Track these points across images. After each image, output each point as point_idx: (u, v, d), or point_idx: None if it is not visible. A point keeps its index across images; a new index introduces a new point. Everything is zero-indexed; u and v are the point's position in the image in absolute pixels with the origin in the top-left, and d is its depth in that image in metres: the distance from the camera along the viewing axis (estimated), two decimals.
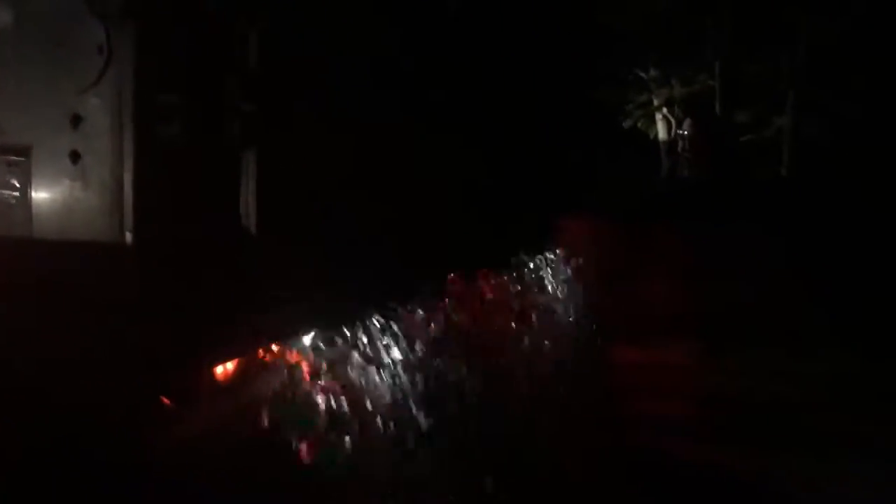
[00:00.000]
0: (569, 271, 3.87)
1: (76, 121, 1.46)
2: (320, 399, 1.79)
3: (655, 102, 10.99)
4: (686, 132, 5.41)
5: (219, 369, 1.63)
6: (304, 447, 1.72)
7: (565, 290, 3.78)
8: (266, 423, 1.66)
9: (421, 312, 2.25)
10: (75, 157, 1.47)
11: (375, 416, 1.92)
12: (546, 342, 3.48)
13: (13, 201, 1.52)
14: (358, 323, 1.96)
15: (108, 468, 1.37)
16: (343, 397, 1.82)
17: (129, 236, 1.42)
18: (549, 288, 3.64)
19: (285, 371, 1.75)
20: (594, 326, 4.11)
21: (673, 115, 10.82)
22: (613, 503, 3.03)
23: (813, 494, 3.36)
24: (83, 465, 1.34)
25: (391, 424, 1.97)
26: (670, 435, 3.99)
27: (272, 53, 1.59)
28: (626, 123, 10.97)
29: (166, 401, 1.50)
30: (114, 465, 1.38)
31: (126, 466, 1.39)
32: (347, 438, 1.81)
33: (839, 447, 3.78)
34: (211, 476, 1.54)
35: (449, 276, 2.54)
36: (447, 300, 2.51)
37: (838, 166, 9.29)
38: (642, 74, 10.92)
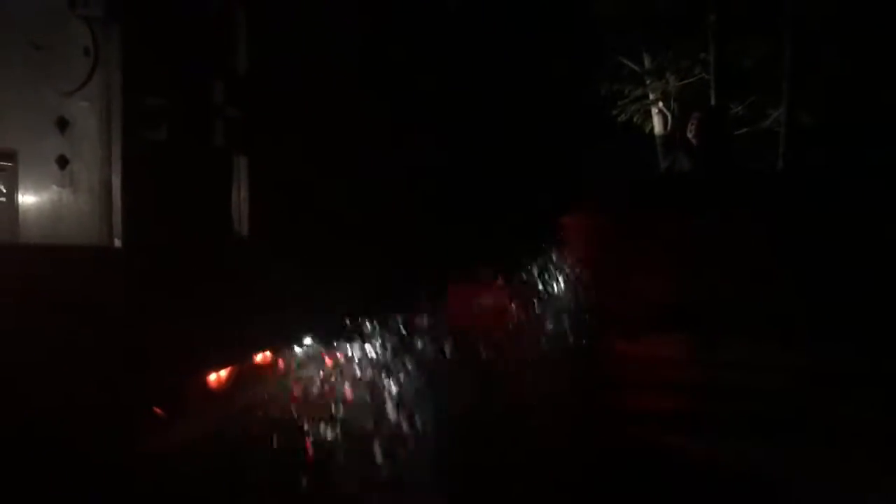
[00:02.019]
0: (564, 267, 3.85)
1: (63, 125, 1.43)
2: (313, 406, 1.77)
3: (651, 96, 10.94)
4: (693, 126, 5.37)
5: (211, 376, 1.61)
6: (296, 454, 1.70)
7: (560, 285, 3.76)
8: (258, 430, 1.64)
9: (415, 315, 2.23)
10: (63, 161, 1.44)
11: (367, 423, 1.90)
12: (541, 337, 3.46)
13: None
14: (352, 330, 1.93)
15: (97, 475, 1.35)
16: (335, 405, 1.80)
17: (118, 242, 1.39)
18: (545, 284, 3.62)
19: (278, 379, 1.73)
20: (589, 320, 4.09)
21: (668, 110, 10.78)
22: (609, 496, 3.02)
23: (806, 485, 3.36)
24: (72, 472, 1.32)
25: (383, 429, 1.95)
26: (664, 428, 3.99)
27: (262, 57, 1.56)
28: (621, 118, 10.92)
29: (157, 409, 1.48)
30: (103, 472, 1.36)
31: (116, 474, 1.38)
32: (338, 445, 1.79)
33: (832, 438, 3.79)
34: (201, 484, 1.53)
35: (445, 277, 2.52)
36: (442, 301, 2.49)
37: (834, 157, 9.29)
38: (636, 68, 10.88)
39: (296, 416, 1.78)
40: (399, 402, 2.07)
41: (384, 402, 1.98)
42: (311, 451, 1.77)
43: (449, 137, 2.42)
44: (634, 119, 11.19)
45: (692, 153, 5.58)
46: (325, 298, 1.75)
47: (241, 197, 1.54)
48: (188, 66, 1.46)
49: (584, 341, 3.91)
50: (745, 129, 10.28)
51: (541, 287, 3.55)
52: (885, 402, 4.11)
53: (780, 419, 4.05)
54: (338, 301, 1.84)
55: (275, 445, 1.73)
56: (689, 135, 5.44)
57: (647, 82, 11.12)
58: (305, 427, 1.78)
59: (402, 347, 2.11)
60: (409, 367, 2.14)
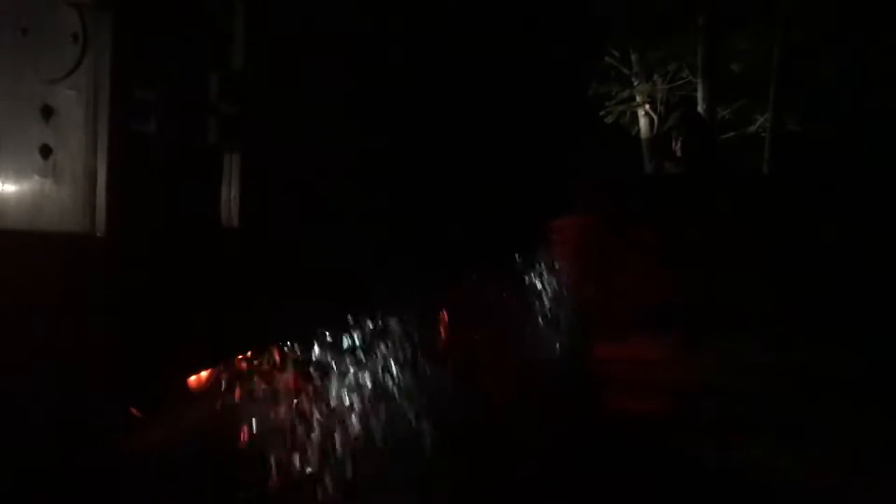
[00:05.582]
0: (551, 269, 3.84)
1: (47, 113, 1.38)
2: (298, 411, 1.73)
3: (638, 98, 10.96)
4: (677, 127, 5.39)
5: (192, 378, 1.56)
6: (278, 459, 1.66)
7: (547, 287, 3.75)
8: (239, 435, 1.60)
9: (406, 316, 2.19)
10: (46, 151, 1.38)
11: (357, 428, 1.86)
12: (527, 340, 3.45)
13: None
14: (343, 331, 1.89)
15: (71, 480, 1.31)
16: (323, 409, 1.76)
17: (101, 237, 1.34)
18: (534, 284, 3.61)
19: (261, 379, 1.69)
20: (578, 321, 4.09)
21: (655, 112, 10.81)
22: (595, 495, 3.02)
23: (789, 485, 3.38)
24: (44, 476, 1.28)
25: (374, 433, 1.92)
26: (650, 428, 4.01)
27: (259, 53, 1.51)
28: (608, 119, 10.93)
29: (134, 411, 1.43)
30: (77, 477, 1.31)
31: (90, 478, 1.33)
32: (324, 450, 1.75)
33: (814, 440, 3.81)
34: (179, 490, 1.49)
35: (436, 277, 2.49)
36: (434, 303, 2.46)
37: (819, 162, 9.36)
38: (625, 70, 10.89)
39: (278, 419, 1.73)
40: (385, 403, 2.03)
41: (374, 405, 1.95)
42: (292, 456, 1.73)
43: (442, 136, 2.39)
44: (621, 121, 11.21)
45: (674, 157, 5.60)
46: (315, 300, 1.71)
47: (231, 195, 1.49)
48: (182, 58, 1.40)
49: (573, 341, 3.91)
50: (731, 133, 10.33)
51: (530, 287, 3.54)
52: (867, 403, 4.14)
53: (765, 419, 4.07)
54: (329, 302, 1.79)
55: (254, 449, 1.69)
56: (674, 144, 5.46)
57: (635, 84, 11.13)
58: (287, 431, 1.74)
59: (392, 348, 2.07)
60: (398, 367, 2.10)
